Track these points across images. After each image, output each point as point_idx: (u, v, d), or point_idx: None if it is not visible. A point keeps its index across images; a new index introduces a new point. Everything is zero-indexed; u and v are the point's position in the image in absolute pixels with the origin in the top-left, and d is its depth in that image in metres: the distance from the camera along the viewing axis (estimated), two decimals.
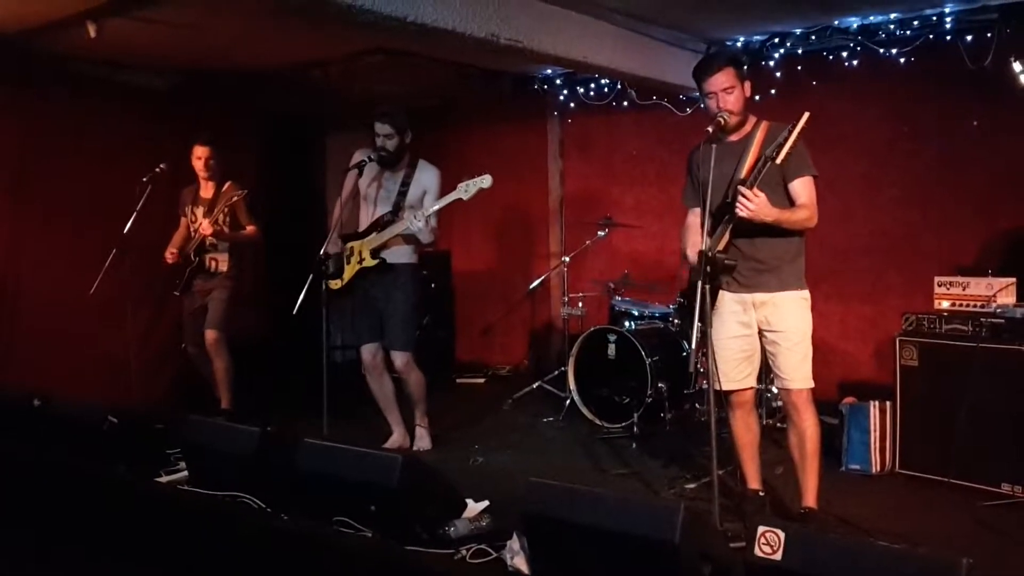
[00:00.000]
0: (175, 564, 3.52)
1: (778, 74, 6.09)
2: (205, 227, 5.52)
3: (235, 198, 5.54)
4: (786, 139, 3.35)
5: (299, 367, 6.66)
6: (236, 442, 3.80)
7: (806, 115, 3.34)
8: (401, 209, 4.85)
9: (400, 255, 4.93)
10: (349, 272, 4.93)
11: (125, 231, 5.37)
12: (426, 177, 4.91)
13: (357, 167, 4.87)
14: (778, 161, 3.38)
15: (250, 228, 5.72)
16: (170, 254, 5.68)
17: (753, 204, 3.38)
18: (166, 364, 6.61)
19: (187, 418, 4.12)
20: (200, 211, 5.71)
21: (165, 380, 6.57)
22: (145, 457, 4.25)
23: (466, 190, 4.62)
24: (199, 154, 5.68)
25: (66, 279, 5.81)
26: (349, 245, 4.97)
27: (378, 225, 4.88)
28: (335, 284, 4.95)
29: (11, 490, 4.21)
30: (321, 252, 4.81)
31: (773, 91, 5.99)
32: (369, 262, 4.87)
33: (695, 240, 3.78)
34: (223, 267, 5.70)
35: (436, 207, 4.75)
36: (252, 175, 7.33)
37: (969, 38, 5.30)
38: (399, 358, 4.99)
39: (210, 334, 5.63)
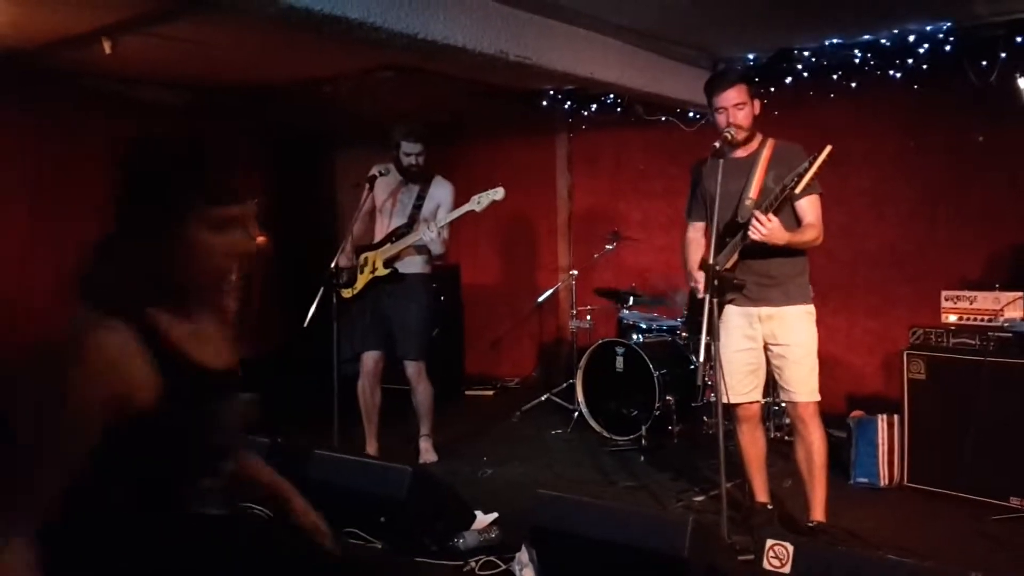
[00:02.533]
0: None
1: (785, 90, 6.11)
2: None
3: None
4: (806, 170, 3.32)
5: (310, 379, 6.69)
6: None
7: (828, 148, 3.28)
8: (416, 222, 4.96)
9: (412, 265, 5.01)
10: (362, 281, 5.02)
11: None
12: (441, 192, 5.03)
13: (368, 181, 4.97)
14: (797, 191, 3.38)
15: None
16: None
17: (766, 229, 3.40)
18: None
19: None
20: None
21: None
22: None
23: (479, 202, 4.73)
24: None
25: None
26: (363, 256, 5.06)
27: (392, 236, 4.98)
28: (347, 293, 5.03)
29: None
30: (332, 265, 4.85)
31: (780, 107, 6.01)
32: (381, 272, 4.96)
33: (696, 255, 3.82)
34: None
35: (449, 218, 4.85)
36: (262, 190, 7.37)
37: (974, 54, 5.31)
38: (412, 367, 5.05)
39: None
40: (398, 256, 4.96)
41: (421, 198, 5.01)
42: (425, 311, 5.08)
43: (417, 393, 5.13)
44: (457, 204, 4.94)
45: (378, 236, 5.09)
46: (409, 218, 4.99)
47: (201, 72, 6.17)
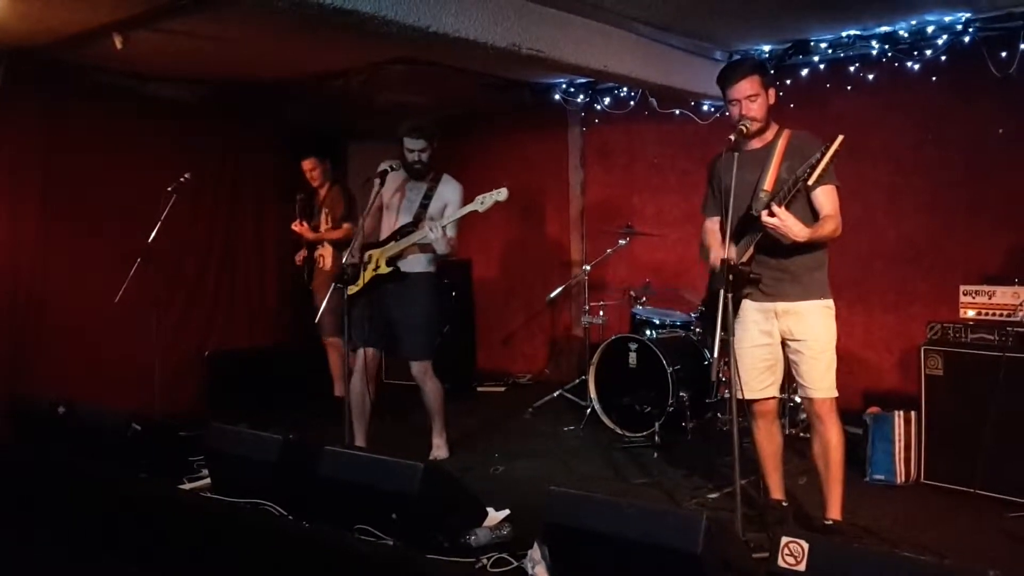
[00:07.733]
0: (198, 571, 3.54)
1: (801, 82, 6.07)
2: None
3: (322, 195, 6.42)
4: (819, 160, 3.27)
5: (320, 375, 6.71)
6: (259, 450, 3.82)
7: (840, 138, 3.25)
8: (422, 220, 4.90)
9: (415, 264, 4.96)
10: (364, 279, 4.98)
11: (150, 240, 5.42)
12: (448, 191, 4.95)
13: (379, 176, 4.92)
14: (810, 183, 3.32)
15: (344, 226, 6.36)
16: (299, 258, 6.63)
17: (783, 228, 3.35)
18: (190, 372, 6.67)
19: (210, 425, 4.14)
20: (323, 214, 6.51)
21: (189, 388, 6.63)
22: (169, 464, 4.29)
23: (482, 203, 4.65)
24: (305, 167, 6.44)
25: (91, 287, 5.87)
26: (368, 253, 5.02)
27: (397, 234, 4.93)
28: (351, 289, 4.95)
29: (37, 498, 4.25)
30: (343, 261, 4.83)
31: (796, 99, 5.97)
32: (383, 270, 4.91)
33: (715, 245, 3.76)
34: (327, 263, 6.28)
35: (453, 218, 4.80)
36: (274, 184, 7.40)
37: (994, 45, 5.26)
38: (416, 367, 5.01)
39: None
40: (401, 254, 4.91)
41: (429, 196, 4.94)
42: (428, 310, 5.01)
43: (425, 393, 5.08)
44: (465, 203, 4.86)
45: (384, 233, 5.03)
46: (415, 216, 4.92)
47: (213, 68, 6.18)
